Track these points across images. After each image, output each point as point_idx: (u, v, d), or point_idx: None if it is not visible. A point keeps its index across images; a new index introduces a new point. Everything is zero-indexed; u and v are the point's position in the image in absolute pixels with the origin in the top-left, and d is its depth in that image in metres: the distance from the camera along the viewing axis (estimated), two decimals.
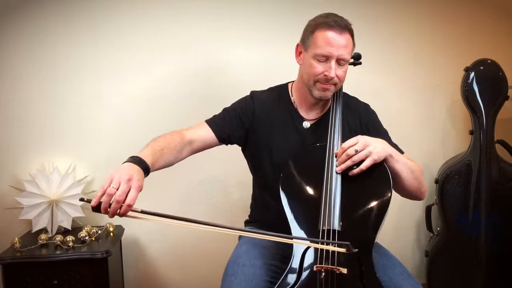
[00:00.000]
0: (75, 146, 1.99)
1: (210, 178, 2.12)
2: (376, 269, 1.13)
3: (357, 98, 1.50)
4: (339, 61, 1.29)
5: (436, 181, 2.07)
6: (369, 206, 1.20)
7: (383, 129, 1.46)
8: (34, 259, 1.68)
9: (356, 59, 1.49)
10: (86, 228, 1.84)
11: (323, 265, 1.10)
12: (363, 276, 1.11)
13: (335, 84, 1.32)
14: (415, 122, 2.22)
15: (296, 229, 1.19)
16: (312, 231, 1.16)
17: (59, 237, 1.76)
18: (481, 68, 2.00)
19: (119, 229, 1.96)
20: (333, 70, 1.28)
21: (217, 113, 1.46)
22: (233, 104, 1.47)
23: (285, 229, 1.18)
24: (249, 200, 1.58)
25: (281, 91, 1.48)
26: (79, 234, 1.78)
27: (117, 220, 1.96)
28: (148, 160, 1.14)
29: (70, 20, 1.94)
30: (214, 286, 1.65)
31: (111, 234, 1.89)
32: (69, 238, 1.75)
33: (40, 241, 1.76)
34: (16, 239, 1.75)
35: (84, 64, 1.97)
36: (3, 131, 1.95)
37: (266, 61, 2.07)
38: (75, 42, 1.95)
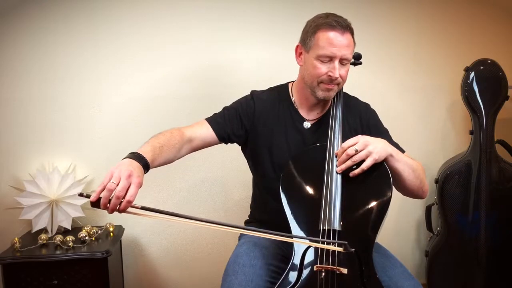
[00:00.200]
0: (75, 146, 1.99)
1: (210, 178, 2.11)
2: (376, 269, 1.13)
3: (357, 98, 1.50)
4: (342, 61, 1.29)
5: (436, 181, 2.07)
6: (369, 206, 1.20)
7: (383, 129, 1.45)
8: (34, 259, 1.68)
9: (357, 59, 1.49)
10: (86, 228, 1.84)
11: (323, 265, 1.10)
12: (363, 276, 1.11)
13: (338, 84, 1.33)
14: (415, 122, 2.22)
15: (296, 229, 1.19)
16: (312, 231, 1.16)
17: (59, 237, 1.76)
18: (481, 68, 2.00)
19: (119, 229, 1.96)
20: (337, 71, 1.28)
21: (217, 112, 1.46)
22: (234, 103, 1.47)
23: (285, 229, 1.18)
24: (249, 200, 1.58)
25: (282, 91, 1.48)
26: (79, 234, 1.78)
27: (117, 220, 1.96)
28: (148, 156, 1.13)
29: (70, 20, 1.94)
30: (214, 286, 1.65)
31: (111, 234, 1.89)
32: (69, 238, 1.75)
33: (40, 241, 1.76)
34: (16, 239, 1.75)
35: (84, 64, 1.97)
36: (3, 131, 1.95)
37: (266, 61, 2.07)
38: (75, 42, 1.95)
